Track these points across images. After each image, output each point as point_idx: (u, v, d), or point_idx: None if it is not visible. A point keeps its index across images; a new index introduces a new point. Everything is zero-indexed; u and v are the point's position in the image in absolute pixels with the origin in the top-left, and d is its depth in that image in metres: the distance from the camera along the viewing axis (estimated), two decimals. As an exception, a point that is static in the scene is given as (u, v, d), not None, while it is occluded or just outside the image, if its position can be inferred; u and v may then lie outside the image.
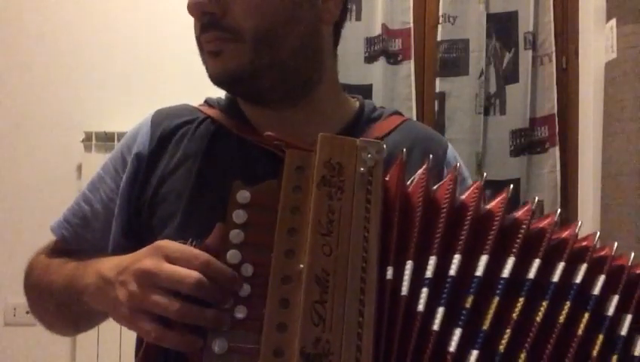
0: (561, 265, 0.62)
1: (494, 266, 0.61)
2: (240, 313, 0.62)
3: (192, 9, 0.77)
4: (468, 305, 0.60)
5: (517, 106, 2.20)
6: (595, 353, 0.61)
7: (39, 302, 0.86)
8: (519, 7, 2.22)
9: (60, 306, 0.81)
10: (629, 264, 0.65)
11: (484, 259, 0.61)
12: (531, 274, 0.61)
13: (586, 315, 0.61)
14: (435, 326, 0.59)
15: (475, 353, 0.58)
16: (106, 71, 2.28)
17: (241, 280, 0.62)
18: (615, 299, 0.62)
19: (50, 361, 2.16)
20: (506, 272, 0.61)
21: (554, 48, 2.20)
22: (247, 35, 0.77)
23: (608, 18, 1.97)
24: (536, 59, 2.22)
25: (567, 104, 2.22)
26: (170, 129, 0.86)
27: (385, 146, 0.64)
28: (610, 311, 0.62)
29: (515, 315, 0.60)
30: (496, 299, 0.60)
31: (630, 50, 1.88)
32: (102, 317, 0.81)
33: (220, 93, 0.93)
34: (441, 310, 0.59)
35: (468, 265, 0.61)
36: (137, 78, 2.27)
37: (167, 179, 0.82)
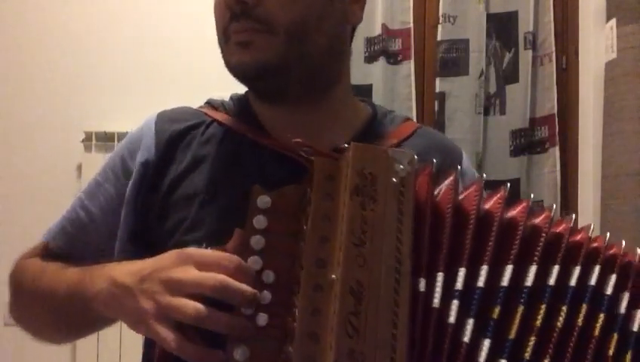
0: (577, 269, 0.62)
1: (518, 275, 0.62)
2: (261, 320, 0.61)
3: None
4: (495, 316, 0.60)
5: (517, 106, 2.20)
6: (610, 352, 0.61)
7: (31, 308, 0.83)
8: (519, 7, 2.22)
9: (59, 313, 0.78)
10: (637, 259, 0.66)
11: (509, 269, 0.61)
12: (552, 281, 0.62)
13: (602, 316, 0.62)
14: (466, 338, 0.59)
15: None
16: (106, 71, 2.28)
17: (262, 286, 0.62)
18: (626, 296, 0.63)
19: (50, 361, 2.16)
20: (529, 280, 0.61)
21: (554, 48, 2.20)
22: (279, 28, 0.75)
23: (608, 18, 1.97)
24: (536, 59, 2.22)
25: (567, 104, 2.22)
26: (177, 134, 0.83)
27: (416, 157, 0.63)
28: (622, 308, 0.63)
29: (538, 322, 0.60)
30: (521, 309, 0.61)
31: (630, 50, 1.88)
32: (106, 323, 0.79)
33: (219, 94, 0.92)
34: (470, 321, 0.60)
35: (494, 275, 0.61)
36: (137, 78, 2.27)
37: (177, 186, 0.80)
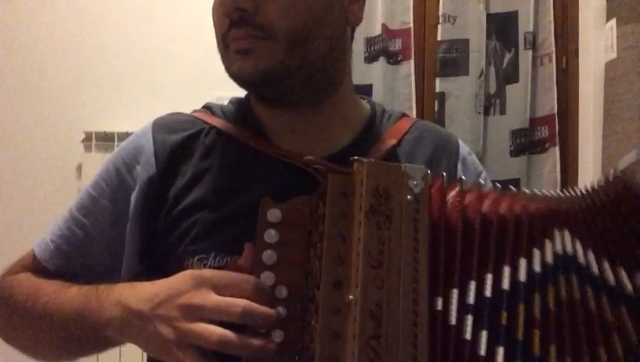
0: (549, 245, 0.62)
1: (514, 273, 0.61)
2: (277, 337, 0.61)
3: (226, 5, 0.75)
4: (504, 322, 0.60)
5: (517, 106, 2.20)
6: (593, 306, 0.61)
7: (24, 327, 0.79)
8: (519, 7, 2.22)
9: (60, 335, 0.76)
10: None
11: (507, 271, 0.61)
12: (537, 267, 0.61)
13: (574, 278, 0.61)
14: (482, 351, 0.59)
15: None
16: (106, 71, 2.28)
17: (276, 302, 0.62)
18: (585, 247, 0.63)
19: (50, 361, 2.16)
20: (522, 276, 0.61)
21: (554, 48, 2.20)
22: (280, 34, 0.74)
23: (608, 18, 1.97)
24: (536, 59, 2.22)
25: (567, 104, 2.22)
26: (177, 145, 0.81)
27: (429, 172, 0.63)
28: (593, 265, 0.62)
29: (537, 314, 0.60)
30: (522, 306, 0.60)
31: (630, 50, 1.88)
32: (114, 346, 0.77)
33: (219, 94, 0.92)
34: (484, 333, 0.59)
35: (496, 280, 0.61)
36: (137, 77, 2.27)
37: (182, 198, 0.78)
